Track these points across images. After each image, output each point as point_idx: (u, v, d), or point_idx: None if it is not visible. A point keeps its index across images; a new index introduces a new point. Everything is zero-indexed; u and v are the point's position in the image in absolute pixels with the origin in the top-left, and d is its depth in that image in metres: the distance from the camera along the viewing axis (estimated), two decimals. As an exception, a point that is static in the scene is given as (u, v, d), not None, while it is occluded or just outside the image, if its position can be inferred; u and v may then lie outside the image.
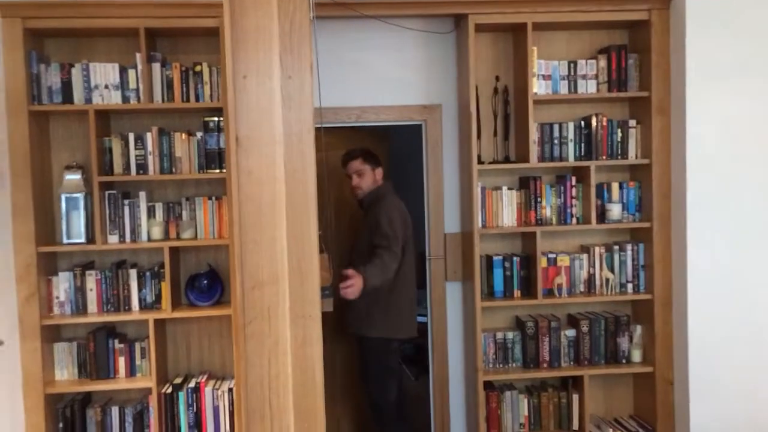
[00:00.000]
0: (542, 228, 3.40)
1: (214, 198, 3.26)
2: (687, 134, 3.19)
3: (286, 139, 1.90)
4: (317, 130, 2.03)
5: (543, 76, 3.36)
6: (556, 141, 3.40)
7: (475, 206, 3.33)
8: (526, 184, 3.45)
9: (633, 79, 3.42)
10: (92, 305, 3.19)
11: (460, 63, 3.49)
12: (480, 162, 3.38)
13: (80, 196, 3.13)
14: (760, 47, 3.20)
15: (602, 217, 3.45)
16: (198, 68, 3.18)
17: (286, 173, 1.89)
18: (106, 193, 3.17)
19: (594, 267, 3.46)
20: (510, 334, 3.45)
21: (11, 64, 3.00)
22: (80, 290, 3.18)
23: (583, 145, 3.42)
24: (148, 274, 3.22)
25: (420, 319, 3.75)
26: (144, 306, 3.22)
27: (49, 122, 3.24)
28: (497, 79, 3.49)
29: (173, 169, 3.20)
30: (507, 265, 3.44)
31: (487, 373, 3.41)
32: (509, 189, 3.44)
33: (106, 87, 3.13)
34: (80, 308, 3.19)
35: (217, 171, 3.21)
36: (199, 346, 3.40)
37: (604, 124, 3.41)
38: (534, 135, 3.35)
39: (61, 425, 3.15)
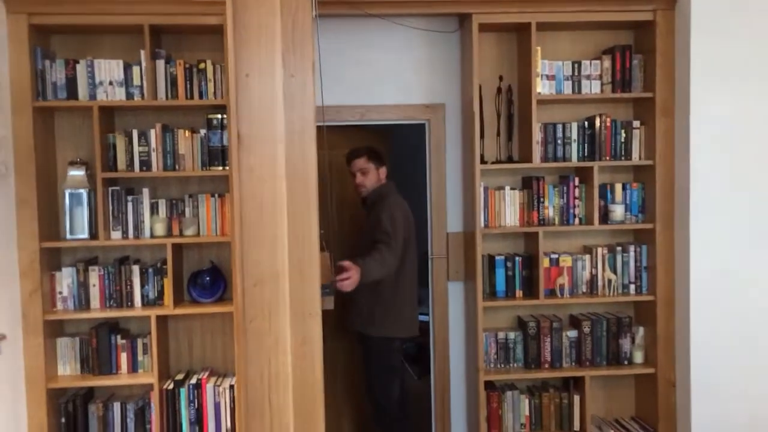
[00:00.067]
0: (545, 228, 3.40)
1: (217, 195, 3.26)
2: (691, 136, 3.18)
3: (287, 137, 1.90)
4: (320, 128, 2.03)
5: (547, 76, 3.35)
6: (559, 141, 3.39)
7: (478, 206, 3.33)
8: (529, 184, 3.45)
9: (637, 80, 3.41)
10: (95, 301, 3.20)
11: (464, 62, 3.49)
12: (483, 162, 3.38)
13: (84, 192, 3.14)
14: (766, 48, 3.18)
15: (605, 217, 3.45)
16: (202, 65, 3.19)
17: (288, 171, 1.90)
18: (110, 189, 3.18)
19: (596, 268, 3.46)
20: (512, 334, 3.45)
21: (17, 59, 3.01)
22: (83, 286, 3.20)
23: (586, 145, 3.41)
24: (150, 270, 3.23)
25: (422, 318, 3.75)
26: (146, 302, 3.23)
27: (53, 118, 3.26)
28: (501, 78, 3.49)
29: (176, 166, 3.21)
30: (509, 265, 3.44)
31: (488, 372, 3.41)
32: (512, 189, 3.43)
33: (111, 83, 3.14)
34: (83, 304, 3.20)
35: (220, 168, 3.21)
36: (201, 343, 3.41)
37: (608, 124, 3.41)
38: (537, 135, 3.35)
39: (63, 420, 3.17)
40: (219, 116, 3.21)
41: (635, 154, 3.43)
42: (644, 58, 3.41)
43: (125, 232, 3.20)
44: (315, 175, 1.93)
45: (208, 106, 3.23)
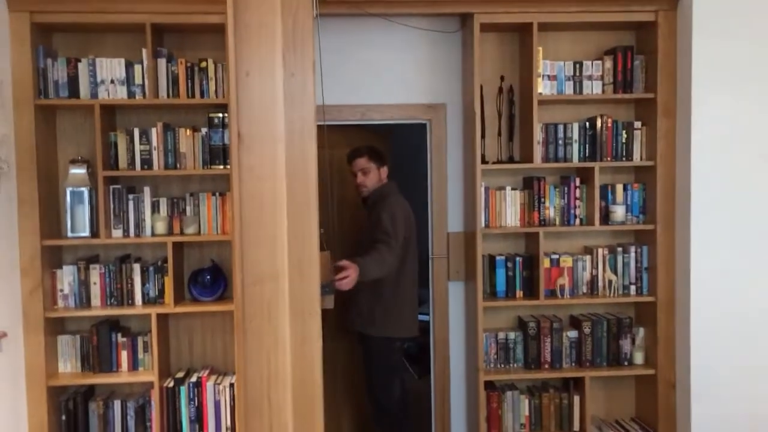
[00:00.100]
0: (545, 228, 3.39)
1: (218, 194, 3.27)
2: (692, 137, 3.17)
3: (288, 137, 1.90)
4: (320, 127, 2.03)
5: (548, 76, 3.35)
6: (560, 142, 3.39)
7: (479, 206, 3.33)
8: (529, 185, 3.45)
9: (639, 81, 3.40)
10: (96, 299, 3.21)
11: (466, 62, 3.49)
12: (484, 162, 3.38)
13: (85, 190, 3.15)
14: (767, 49, 3.18)
15: (606, 218, 3.44)
16: (203, 64, 3.19)
17: (288, 170, 1.90)
18: (111, 187, 3.18)
19: (597, 268, 3.45)
20: (512, 335, 3.45)
21: (19, 58, 3.02)
22: (84, 284, 3.20)
23: (587, 146, 3.41)
24: (151, 268, 3.23)
25: (422, 318, 3.75)
26: (147, 300, 3.24)
27: (55, 116, 3.26)
28: (502, 78, 3.49)
29: (178, 165, 3.21)
30: (510, 265, 3.44)
31: (488, 373, 3.41)
32: (513, 189, 3.43)
33: (112, 82, 3.15)
34: (84, 302, 3.21)
35: (221, 167, 3.22)
36: (202, 341, 3.42)
37: (609, 125, 3.40)
38: (538, 135, 3.34)
39: (63, 418, 3.17)
40: (220, 115, 3.21)
41: (636, 155, 3.43)
42: (646, 58, 3.40)
43: (126, 231, 3.20)
44: (315, 175, 1.93)
45: (209, 105, 3.23)
